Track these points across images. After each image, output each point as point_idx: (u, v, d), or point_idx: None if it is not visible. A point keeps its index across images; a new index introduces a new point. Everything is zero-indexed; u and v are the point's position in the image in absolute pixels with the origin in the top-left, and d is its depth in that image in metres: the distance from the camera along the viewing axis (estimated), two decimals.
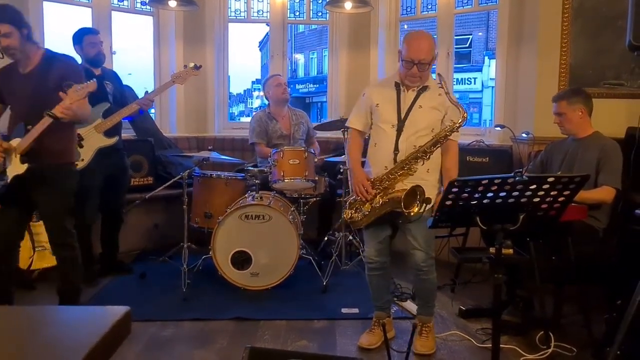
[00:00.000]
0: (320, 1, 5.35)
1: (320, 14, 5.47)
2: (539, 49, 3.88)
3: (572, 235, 2.81)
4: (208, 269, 3.61)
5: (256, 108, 23.83)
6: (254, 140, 4.20)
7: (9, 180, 2.67)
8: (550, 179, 1.78)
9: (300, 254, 3.52)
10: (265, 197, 3.57)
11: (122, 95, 3.83)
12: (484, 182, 1.76)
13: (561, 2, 3.77)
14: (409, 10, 5.16)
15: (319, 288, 3.50)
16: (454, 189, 1.77)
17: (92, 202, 3.56)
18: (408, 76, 2.57)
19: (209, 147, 3.87)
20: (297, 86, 23.75)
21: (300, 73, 24.98)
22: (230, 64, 5.29)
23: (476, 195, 1.78)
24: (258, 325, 3.01)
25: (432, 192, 2.54)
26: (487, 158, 3.94)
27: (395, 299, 3.29)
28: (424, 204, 2.43)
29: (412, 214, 2.44)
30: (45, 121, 2.57)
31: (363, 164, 2.75)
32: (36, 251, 3.50)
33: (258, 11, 5.20)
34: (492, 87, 9.10)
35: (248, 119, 4.59)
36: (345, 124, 2.91)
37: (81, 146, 3.38)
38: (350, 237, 3.94)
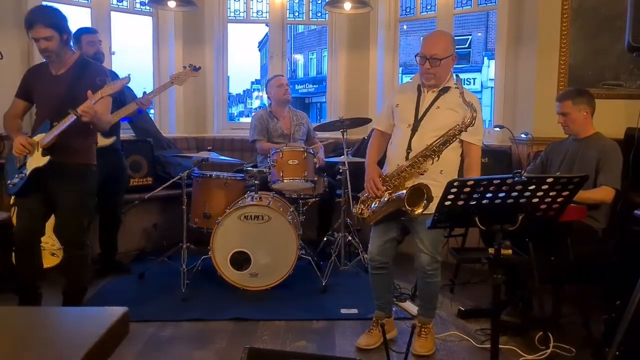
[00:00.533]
0: (319, 1, 5.34)
1: (319, 14, 5.47)
2: (538, 50, 3.89)
3: (571, 235, 2.81)
4: (207, 270, 3.61)
5: (256, 108, 23.83)
6: (255, 138, 4.21)
7: (27, 173, 2.74)
8: (549, 180, 1.78)
9: (300, 255, 3.52)
10: (264, 198, 3.57)
11: (121, 95, 3.82)
12: (483, 182, 1.76)
13: (560, 3, 3.77)
14: (408, 10, 5.16)
15: (318, 288, 3.50)
16: (453, 189, 1.77)
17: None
18: (422, 73, 2.59)
19: (208, 148, 3.86)
20: (297, 86, 23.74)
21: (300, 73, 24.97)
22: (230, 64, 5.30)
23: (475, 196, 1.78)
24: (257, 325, 3.01)
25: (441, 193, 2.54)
26: (487, 158, 3.94)
27: (395, 299, 3.28)
28: (429, 204, 2.42)
29: (415, 212, 2.43)
30: (69, 118, 2.65)
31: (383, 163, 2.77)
32: None
33: (257, 11, 5.20)
34: (492, 87, 9.10)
35: (247, 119, 4.61)
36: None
37: None
38: (350, 238, 3.94)
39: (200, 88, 5.00)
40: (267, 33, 16.89)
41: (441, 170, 2.55)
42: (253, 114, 4.57)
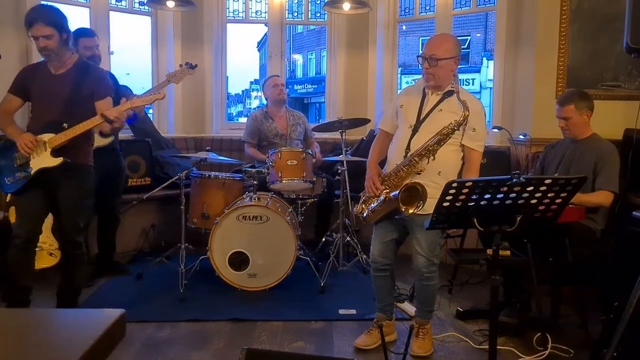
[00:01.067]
0: (318, 2, 5.34)
1: (318, 14, 5.47)
2: (537, 51, 3.89)
3: (570, 236, 2.82)
4: (205, 270, 3.61)
5: (254, 108, 23.79)
6: (243, 139, 4.30)
7: (32, 172, 2.73)
8: (547, 181, 1.78)
9: (298, 255, 3.52)
10: (262, 198, 3.57)
11: (118, 95, 3.81)
12: (481, 183, 1.76)
13: (559, 4, 3.77)
14: (407, 11, 5.16)
15: (316, 289, 3.50)
16: (451, 190, 1.77)
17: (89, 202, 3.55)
18: (422, 74, 2.61)
19: (207, 148, 3.86)
20: (296, 87, 23.75)
21: (299, 73, 24.97)
22: (229, 64, 5.29)
23: (473, 197, 1.78)
24: (255, 326, 3.01)
25: (438, 195, 2.54)
26: (485, 159, 3.92)
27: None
28: (423, 203, 2.42)
29: (409, 212, 2.44)
30: (96, 120, 2.70)
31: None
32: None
33: (256, 11, 5.19)
34: (490, 88, 9.11)
35: (246, 120, 4.62)
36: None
37: None
38: (348, 238, 3.93)
39: (199, 88, 4.99)
40: (266, 33, 16.90)
41: (439, 172, 2.55)
42: (250, 113, 4.60)
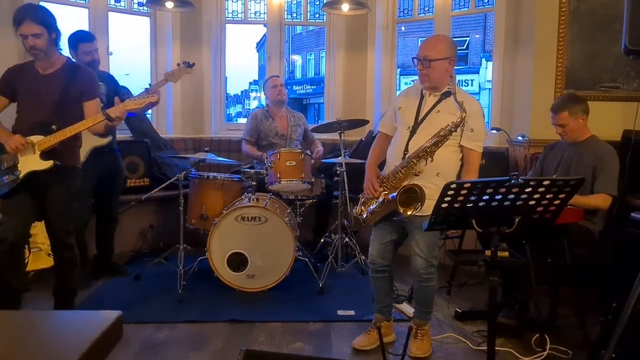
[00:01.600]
0: (317, 2, 5.35)
1: (317, 15, 5.47)
2: (536, 52, 3.89)
3: (568, 237, 2.82)
4: (204, 271, 3.60)
5: (253, 109, 23.81)
6: (243, 137, 4.32)
7: (21, 175, 2.68)
8: (546, 182, 1.78)
9: (297, 256, 3.52)
10: (261, 199, 3.57)
11: (117, 96, 3.81)
12: (479, 184, 1.76)
13: (558, 5, 3.78)
14: (406, 12, 5.16)
15: (315, 290, 3.50)
16: (450, 192, 1.77)
17: (85, 203, 3.54)
18: (418, 75, 2.61)
19: (206, 149, 3.86)
20: (295, 87, 23.74)
21: (298, 74, 24.98)
22: (228, 65, 5.29)
23: (472, 198, 1.78)
24: (253, 327, 3.01)
25: (437, 196, 2.54)
26: (484, 160, 3.92)
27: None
28: (421, 205, 2.42)
29: (407, 213, 2.44)
30: (97, 119, 2.66)
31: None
32: (32, 252, 3.48)
33: (255, 12, 5.19)
34: (489, 89, 9.12)
35: (245, 120, 4.62)
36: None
37: None
38: (347, 239, 3.93)
39: (198, 89, 4.99)
40: (265, 34, 16.89)
41: (438, 173, 2.55)
42: (250, 111, 4.61)
